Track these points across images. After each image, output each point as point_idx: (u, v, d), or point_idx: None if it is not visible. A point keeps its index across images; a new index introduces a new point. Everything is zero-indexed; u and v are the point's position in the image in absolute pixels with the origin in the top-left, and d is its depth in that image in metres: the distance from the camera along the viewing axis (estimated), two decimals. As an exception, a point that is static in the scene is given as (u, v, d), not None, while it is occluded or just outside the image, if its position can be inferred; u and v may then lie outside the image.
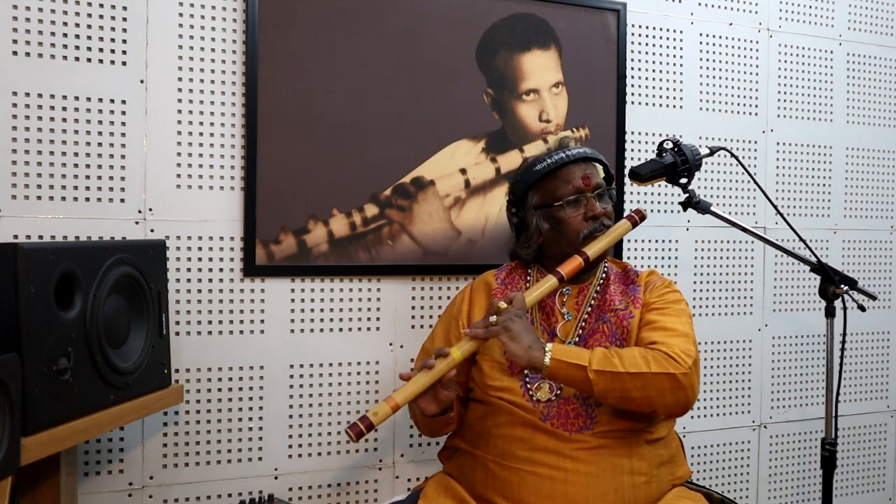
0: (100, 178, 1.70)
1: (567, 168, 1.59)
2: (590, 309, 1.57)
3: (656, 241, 2.23)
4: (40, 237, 1.64)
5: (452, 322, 1.65)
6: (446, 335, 1.65)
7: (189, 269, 1.77)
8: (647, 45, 2.20)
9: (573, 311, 1.58)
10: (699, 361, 1.46)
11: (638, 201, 2.19)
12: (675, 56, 2.24)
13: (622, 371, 1.36)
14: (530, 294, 1.48)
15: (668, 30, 2.23)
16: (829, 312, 1.92)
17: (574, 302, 1.59)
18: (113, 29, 1.70)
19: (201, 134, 1.78)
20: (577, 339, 1.54)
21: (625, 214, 1.66)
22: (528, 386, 1.49)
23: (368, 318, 1.93)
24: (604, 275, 1.63)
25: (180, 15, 1.76)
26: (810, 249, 1.90)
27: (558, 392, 1.47)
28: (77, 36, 1.67)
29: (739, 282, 2.33)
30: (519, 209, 1.65)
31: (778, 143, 2.37)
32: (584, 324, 1.56)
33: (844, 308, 1.92)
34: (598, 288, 1.60)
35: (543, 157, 1.63)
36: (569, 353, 1.39)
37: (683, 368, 1.38)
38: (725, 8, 2.30)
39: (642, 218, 1.63)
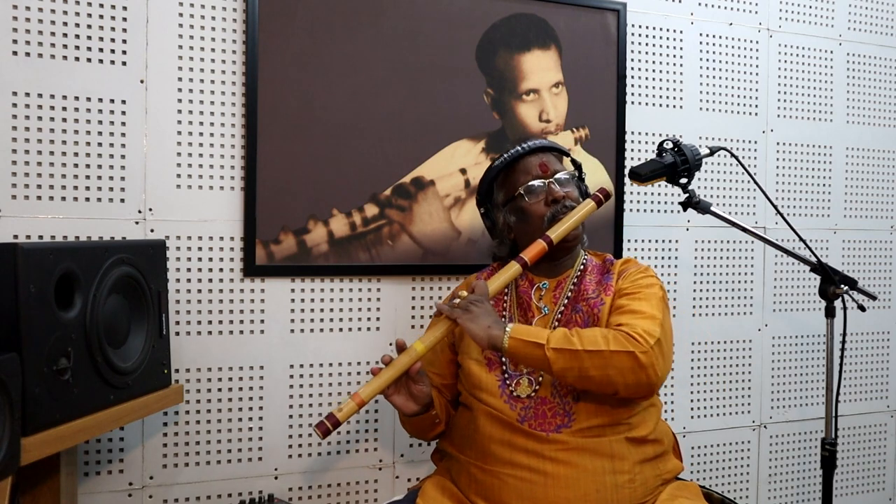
0: (100, 178, 1.70)
1: (524, 159, 1.62)
2: (566, 301, 1.58)
3: (656, 241, 2.23)
4: (40, 237, 1.64)
5: None
6: None
7: (189, 269, 1.77)
8: (647, 45, 2.20)
9: (550, 304, 1.59)
10: (667, 343, 1.43)
11: (638, 201, 2.19)
12: (675, 56, 2.24)
13: (580, 349, 1.35)
14: (493, 282, 1.49)
15: (668, 30, 2.23)
16: (829, 312, 1.92)
17: (551, 296, 1.60)
18: (113, 29, 1.70)
19: (201, 134, 1.78)
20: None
21: (590, 193, 1.63)
22: (508, 383, 1.50)
23: (368, 318, 1.93)
24: (581, 266, 1.63)
25: (180, 15, 1.76)
26: (810, 249, 1.90)
27: (537, 388, 1.48)
28: (77, 36, 1.67)
29: (739, 282, 2.33)
30: (489, 211, 1.69)
31: (778, 143, 2.37)
32: (560, 316, 1.56)
33: (844, 308, 1.92)
34: (576, 280, 1.60)
35: (501, 155, 1.66)
36: (528, 332, 1.39)
37: (644, 347, 1.36)
38: (725, 8, 2.30)
39: (607, 196, 1.60)
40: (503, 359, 1.53)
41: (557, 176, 1.60)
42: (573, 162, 1.71)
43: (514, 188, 1.61)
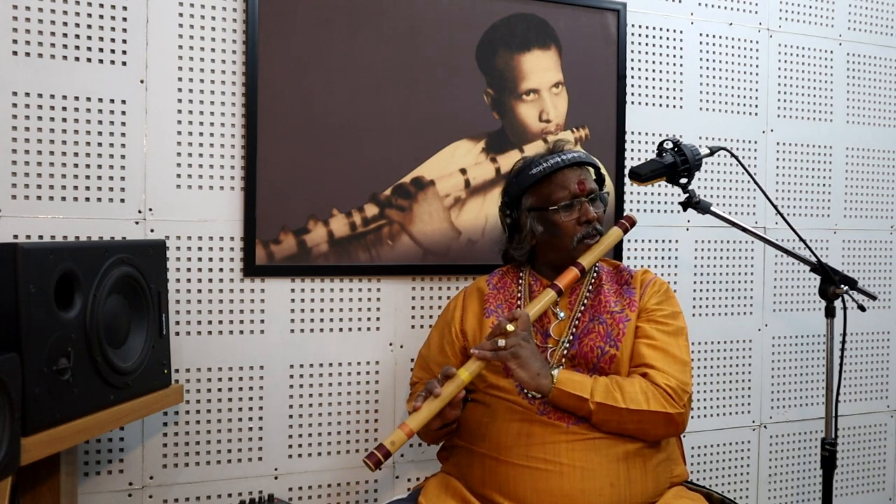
0: (100, 178, 1.70)
1: (562, 172, 1.60)
2: (583, 308, 1.59)
3: (656, 241, 2.23)
4: (40, 237, 1.64)
5: (446, 329, 1.67)
6: (441, 342, 1.67)
7: (189, 269, 1.77)
8: (647, 45, 2.20)
9: (566, 310, 1.60)
10: (691, 391, 1.51)
11: (638, 201, 2.19)
12: (675, 56, 2.24)
13: (622, 407, 1.41)
14: (532, 309, 1.50)
15: (668, 30, 2.23)
16: (829, 312, 1.92)
17: (567, 302, 1.61)
18: (113, 29, 1.70)
19: (201, 134, 1.78)
20: (571, 337, 1.55)
21: (616, 221, 1.68)
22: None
23: (368, 318, 1.93)
24: (595, 274, 1.64)
25: (180, 15, 1.76)
26: (810, 249, 1.90)
27: None
28: (77, 36, 1.67)
29: (739, 282, 2.33)
30: (513, 210, 1.66)
31: (778, 143, 2.37)
32: (577, 322, 1.57)
33: (844, 308, 1.92)
34: (591, 287, 1.62)
35: (538, 160, 1.64)
36: (573, 383, 1.42)
37: (679, 408, 1.44)
38: (725, 8, 2.30)
39: (632, 224, 1.67)
40: None
41: (592, 195, 1.61)
42: (597, 173, 1.70)
43: (549, 200, 1.60)
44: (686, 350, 1.54)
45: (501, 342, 1.41)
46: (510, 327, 1.42)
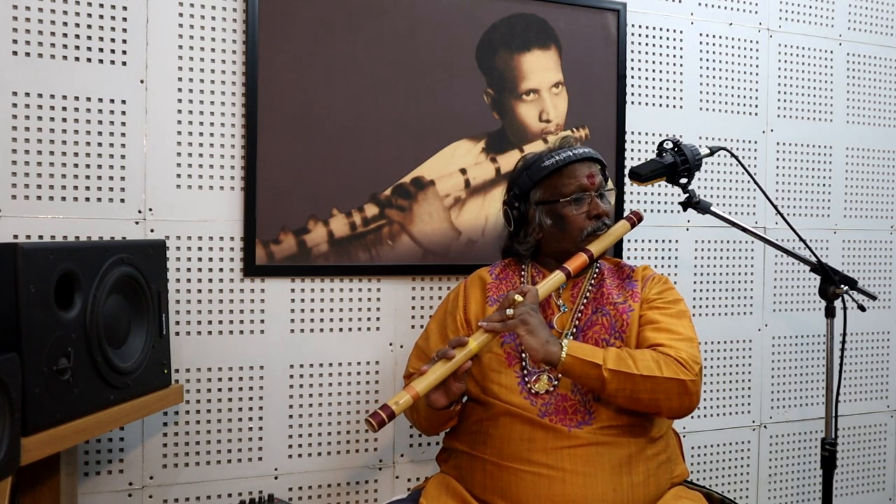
0: (100, 178, 1.70)
1: (573, 166, 1.61)
2: (585, 301, 1.59)
3: (656, 241, 2.23)
4: (40, 237, 1.64)
5: (448, 318, 1.66)
6: (441, 332, 1.65)
7: (189, 269, 1.77)
8: (647, 45, 2.20)
9: (569, 303, 1.59)
10: (702, 364, 1.48)
11: (638, 201, 2.19)
12: (675, 56, 2.24)
13: (636, 373, 1.38)
14: (541, 288, 1.49)
15: (668, 30, 2.23)
16: (829, 312, 1.92)
17: (569, 294, 1.61)
18: (113, 29, 1.70)
19: (201, 134, 1.78)
20: (574, 329, 1.55)
21: (624, 215, 1.68)
22: (527, 379, 1.50)
23: (368, 318, 1.94)
24: (597, 269, 1.65)
25: (180, 15, 1.76)
26: (810, 249, 1.90)
27: (556, 383, 1.48)
28: (77, 36, 1.67)
29: (739, 282, 2.33)
30: (521, 203, 1.66)
31: (778, 143, 2.37)
32: (580, 314, 1.57)
33: (844, 308, 1.92)
34: (593, 281, 1.62)
35: (550, 153, 1.64)
36: (584, 350, 1.40)
37: (692, 375, 1.41)
38: (725, 8, 2.30)
39: (640, 219, 1.66)
40: (522, 354, 1.52)
41: (601, 191, 1.62)
42: (603, 173, 1.70)
43: (559, 193, 1.60)
44: (691, 329, 1.53)
45: (510, 311, 1.40)
46: (518, 298, 1.42)
